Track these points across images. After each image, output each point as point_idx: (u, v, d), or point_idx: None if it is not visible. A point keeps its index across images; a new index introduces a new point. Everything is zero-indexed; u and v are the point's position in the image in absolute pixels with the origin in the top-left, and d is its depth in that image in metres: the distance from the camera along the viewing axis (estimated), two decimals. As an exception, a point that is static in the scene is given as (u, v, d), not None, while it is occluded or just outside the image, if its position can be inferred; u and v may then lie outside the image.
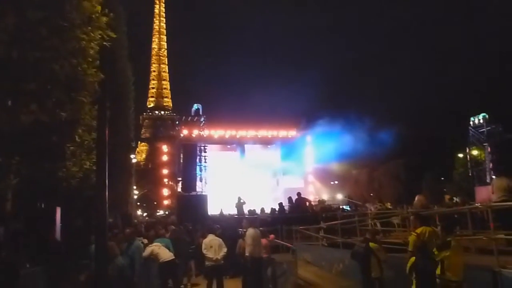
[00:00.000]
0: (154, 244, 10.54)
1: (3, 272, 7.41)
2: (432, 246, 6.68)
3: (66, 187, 10.37)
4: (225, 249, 10.91)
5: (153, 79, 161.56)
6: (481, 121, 33.31)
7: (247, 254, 10.47)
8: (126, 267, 8.50)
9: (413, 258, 6.45)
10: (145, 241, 11.78)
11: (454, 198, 20.79)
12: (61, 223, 11.44)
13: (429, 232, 7.25)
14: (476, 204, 16.40)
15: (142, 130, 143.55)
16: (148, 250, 10.37)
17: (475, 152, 34.58)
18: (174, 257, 10.47)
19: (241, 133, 30.34)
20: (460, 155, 39.42)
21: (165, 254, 10.36)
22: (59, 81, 5.57)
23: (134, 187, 37.58)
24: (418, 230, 7.40)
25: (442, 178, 42.63)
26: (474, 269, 6.64)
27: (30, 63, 5.03)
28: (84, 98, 6.64)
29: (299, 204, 19.90)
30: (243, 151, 30.55)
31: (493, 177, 29.21)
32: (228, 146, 30.49)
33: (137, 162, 54.66)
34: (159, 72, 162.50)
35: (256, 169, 30.78)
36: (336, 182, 34.75)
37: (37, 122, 5.58)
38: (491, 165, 32.40)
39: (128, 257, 8.91)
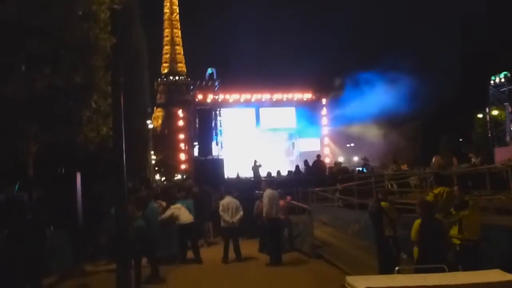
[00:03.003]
0: (175, 206, 10.76)
1: (31, 233, 7.68)
2: (450, 206, 6.64)
3: (84, 152, 10.55)
4: (241, 212, 11.08)
5: (166, 45, 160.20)
6: (502, 80, 32.28)
7: (264, 215, 10.60)
8: (144, 228, 8.72)
9: (418, 220, 6.30)
10: (164, 203, 12.02)
11: (472, 159, 20.52)
12: (81, 188, 11.70)
13: (447, 192, 7.21)
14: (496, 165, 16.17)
15: (157, 95, 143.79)
16: (168, 213, 10.62)
17: (495, 112, 33.75)
18: (193, 220, 10.73)
19: (256, 96, 30.13)
20: (480, 116, 38.58)
21: (185, 216, 10.62)
22: (71, 46, 5.54)
23: (152, 152, 38.01)
24: (436, 191, 7.37)
25: (460, 140, 41.98)
26: (493, 229, 6.61)
27: (40, 28, 5.01)
28: (97, 62, 6.61)
29: (317, 167, 19.94)
30: (258, 114, 30.46)
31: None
32: (244, 110, 30.37)
33: (154, 128, 55.02)
34: (172, 37, 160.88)
35: (272, 132, 30.80)
36: (352, 144, 34.52)
37: (52, 88, 5.60)
38: (511, 125, 31.69)
39: (144, 218, 9.12)
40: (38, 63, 5.33)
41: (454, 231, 6.22)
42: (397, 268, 5.04)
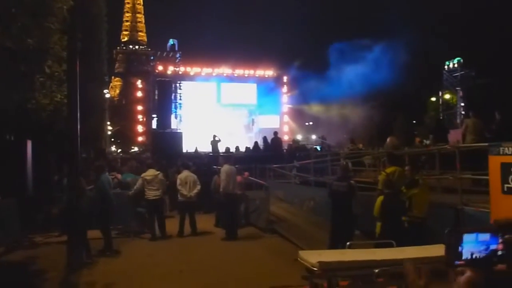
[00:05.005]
0: (146, 176, 10.47)
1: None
2: (401, 185, 6.89)
3: (36, 119, 10.08)
4: (199, 186, 11.08)
5: (127, 12, 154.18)
6: (456, 65, 33.62)
7: (221, 189, 10.63)
8: (96, 199, 8.55)
9: (381, 197, 6.62)
10: (119, 176, 11.81)
11: (424, 140, 21.36)
12: (32, 157, 11.25)
13: (399, 172, 7.46)
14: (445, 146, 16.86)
15: (116, 64, 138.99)
16: (139, 182, 10.37)
17: (447, 96, 35.20)
18: (158, 197, 10.50)
19: (218, 70, 29.80)
20: (433, 99, 40.06)
21: (152, 192, 10.40)
22: (24, 5, 5.21)
23: (108, 123, 37.03)
24: (388, 170, 7.59)
25: (414, 121, 43.46)
26: (439, 207, 6.94)
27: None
28: (52, 24, 6.26)
29: (275, 144, 20.13)
30: (219, 89, 30.21)
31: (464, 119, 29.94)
32: (204, 84, 30.01)
33: (111, 98, 53.44)
34: (134, 4, 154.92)
35: (232, 108, 30.71)
36: (311, 123, 35.07)
37: (2, 49, 5.26)
38: (462, 109, 33.18)
39: (97, 189, 8.92)
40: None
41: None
42: (348, 243, 5.20)
